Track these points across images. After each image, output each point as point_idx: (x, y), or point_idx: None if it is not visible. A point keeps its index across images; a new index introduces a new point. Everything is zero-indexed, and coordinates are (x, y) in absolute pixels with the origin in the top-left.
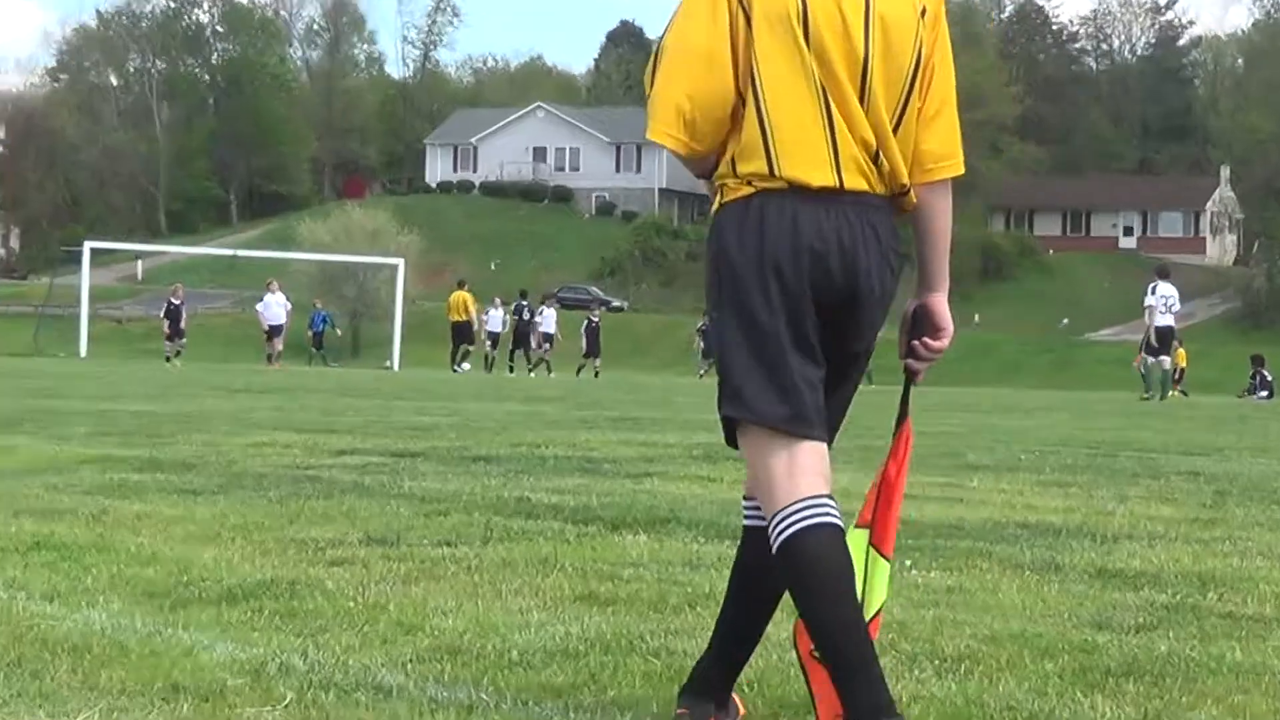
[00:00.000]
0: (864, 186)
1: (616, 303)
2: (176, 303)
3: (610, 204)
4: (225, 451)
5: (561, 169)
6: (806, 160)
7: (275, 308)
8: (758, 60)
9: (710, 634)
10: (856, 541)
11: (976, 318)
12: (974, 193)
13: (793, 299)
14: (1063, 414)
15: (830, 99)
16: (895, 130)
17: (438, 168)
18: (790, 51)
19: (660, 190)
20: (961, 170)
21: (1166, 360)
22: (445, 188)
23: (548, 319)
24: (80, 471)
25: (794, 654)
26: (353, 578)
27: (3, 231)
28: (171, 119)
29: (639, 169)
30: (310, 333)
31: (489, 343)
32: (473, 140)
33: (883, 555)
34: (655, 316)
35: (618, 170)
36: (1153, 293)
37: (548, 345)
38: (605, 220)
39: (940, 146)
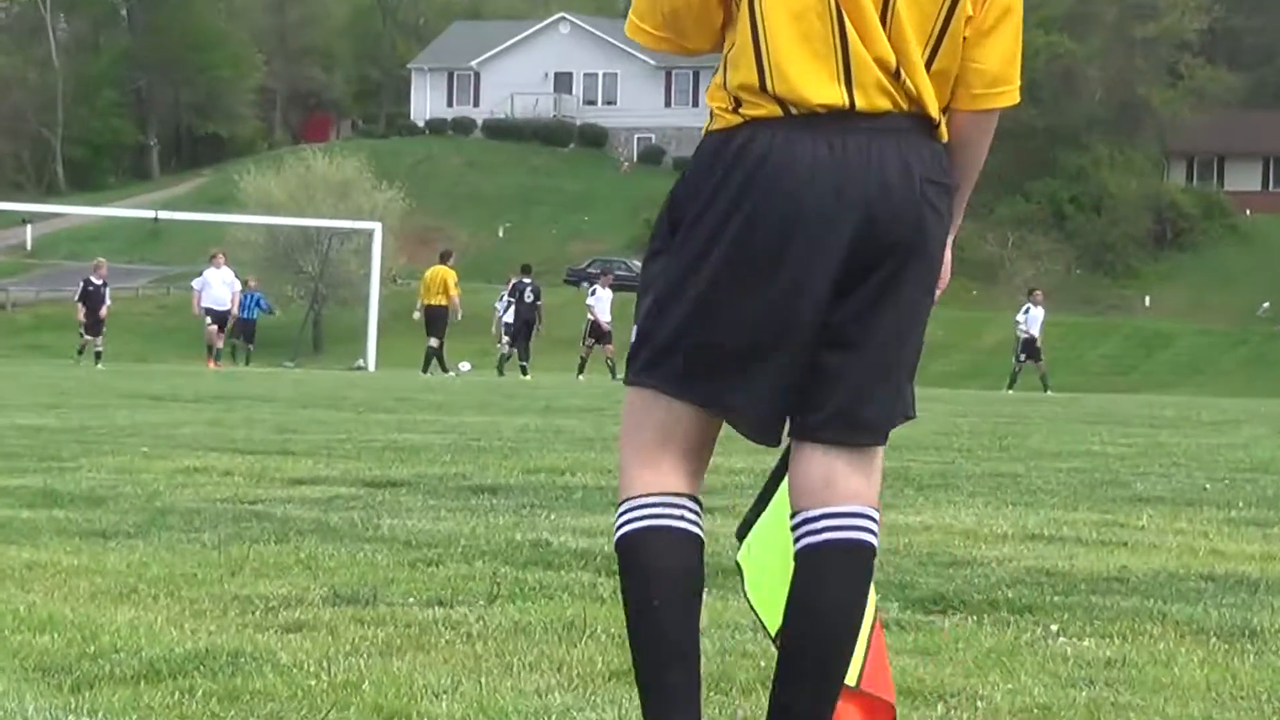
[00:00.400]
0: (885, 106)
1: None
2: (97, 283)
3: (657, 149)
4: (145, 481)
5: (593, 102)
6: (806, 73)
7: (219, 287)
8: None
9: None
10: None
11: (1146, 300)
12: (1142, 133)
13: (784, 268)
14: (1261, 428)
15: (841, 3)
16: (938, 45)
17: (427, 101)
18: None
19: None
20: (1015, 99)
21: None
22: (437, 127)
23: (601, 302)
24: None
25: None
26: (315, 648)
27: None
28: (70, 37)
29: (695, 102)
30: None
31: (506, 339)
32: (473, 64)
33: None
34: None
35: (667, 104)
36: None
37: (596, 340)
38: (651, 170)
39: (996, 67)
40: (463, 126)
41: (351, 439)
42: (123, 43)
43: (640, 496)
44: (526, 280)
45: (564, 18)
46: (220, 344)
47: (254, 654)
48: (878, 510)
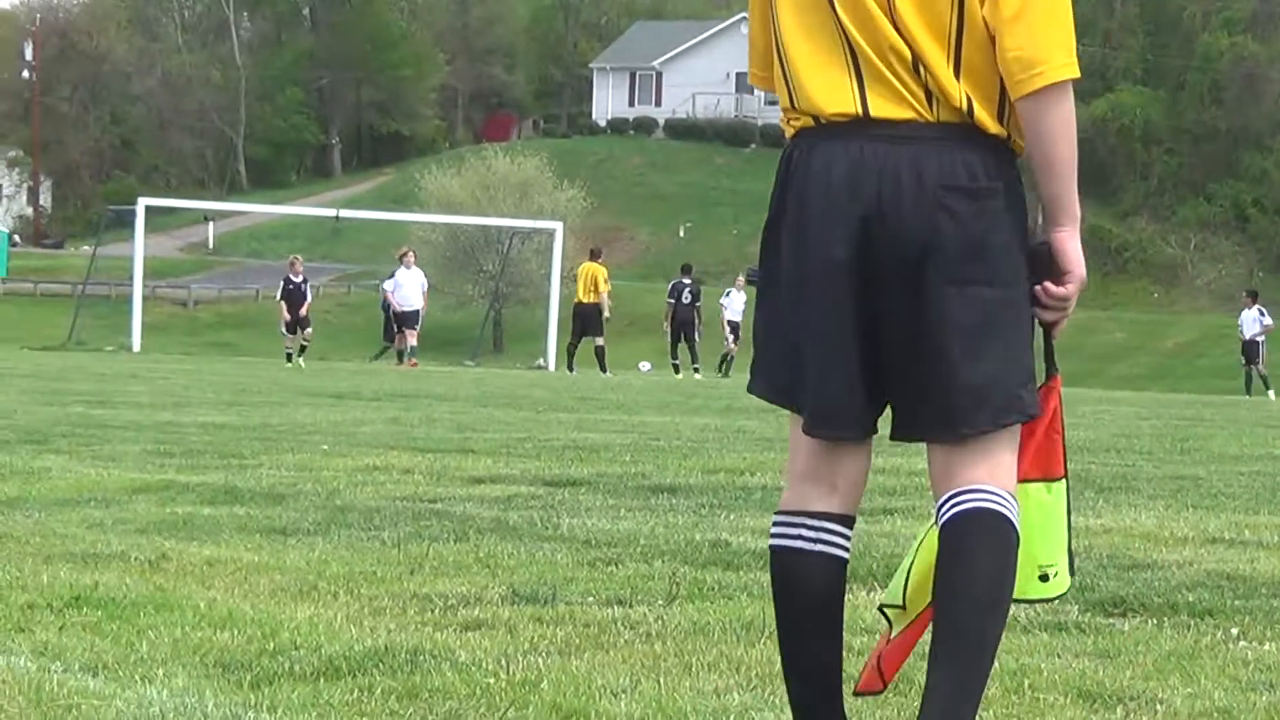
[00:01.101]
0: (904, 114)
1: None
2: (297, 280)
3: None
4: (325, 478)
5: (774, 103)
6: (822, 88)
7: (410, 287)
8: None
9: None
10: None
11: None
12: None
13: (814, 265)
14: None
15: (842, 14)
16: (960, 41)
17: (608, 101)
18: None
19: None
20: (1061, 76)
21: None
22: (618, 127)
23: (735, 303)
24: (133, 503)
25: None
26: (493, 646)
27: (30, 185)
28: (254, 36)
29: None
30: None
31: (732, 337)
32: (655, 64)
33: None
34: None
35: None
36: None
37: (733, 338)
38: None
39: (1027, 50)
40: (644, 126)
41: (531, 438)
42: (305, 42)
43: (783, 514)
44: (686, 281)
45: (745, 18)
46: (413, 342)
47: (433, 652)
48: (1008, 491)
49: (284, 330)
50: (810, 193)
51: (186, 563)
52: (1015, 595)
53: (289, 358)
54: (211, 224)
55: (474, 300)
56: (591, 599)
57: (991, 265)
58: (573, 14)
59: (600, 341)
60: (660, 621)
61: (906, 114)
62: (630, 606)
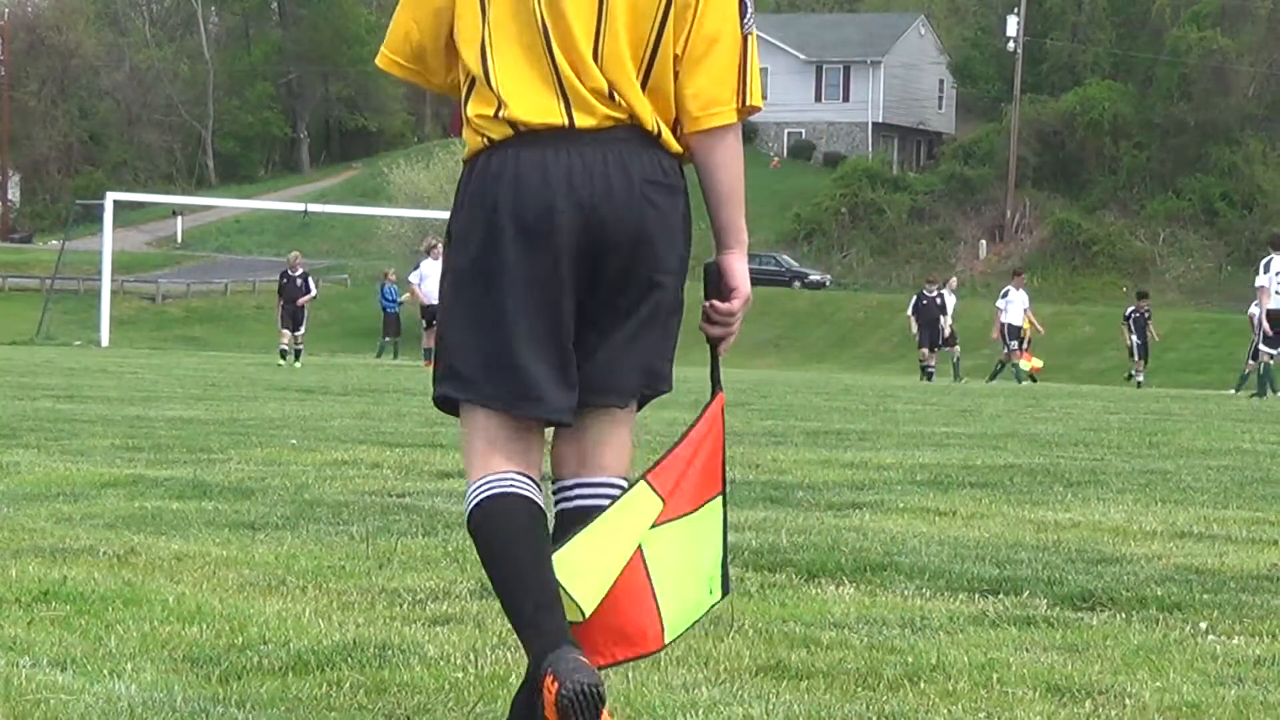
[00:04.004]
0: (604, 123)
1: (815, 276)
2: (294, 275)
3: (807, 144)
4: (293, 473)
5: None
6: (531, 101)
7: (437, 279)
8: None
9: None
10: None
11: None
12: None
13: (522, 261)
14: None
15: (553, 38)
16: (650, 68)
17: None
18: None
19: (875, 125)
20: (730, 119)
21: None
22: None
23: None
24: (101, 498)
25: None
26: (462, 640)
27: None
28: (222, 30)
29: (846, 97)
30: (384, 313)
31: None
32: None
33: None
34: (867, 295)
35: (818, 99)
36: (1265, 270)
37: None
38: (801, 165)
39: (711, 91)
40: None
41: None
42: (273, 36)
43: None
44: None
45: None
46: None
47: (401, 646)
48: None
49: (280, 327)
50: (522, 194)
51: (155, 557)
52: (693, 614)
53: (283, 355)
54: (180, 218)
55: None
56: None
57: (678, 254)
58: None
59: None
60: None
61: (605, 122)
62: None
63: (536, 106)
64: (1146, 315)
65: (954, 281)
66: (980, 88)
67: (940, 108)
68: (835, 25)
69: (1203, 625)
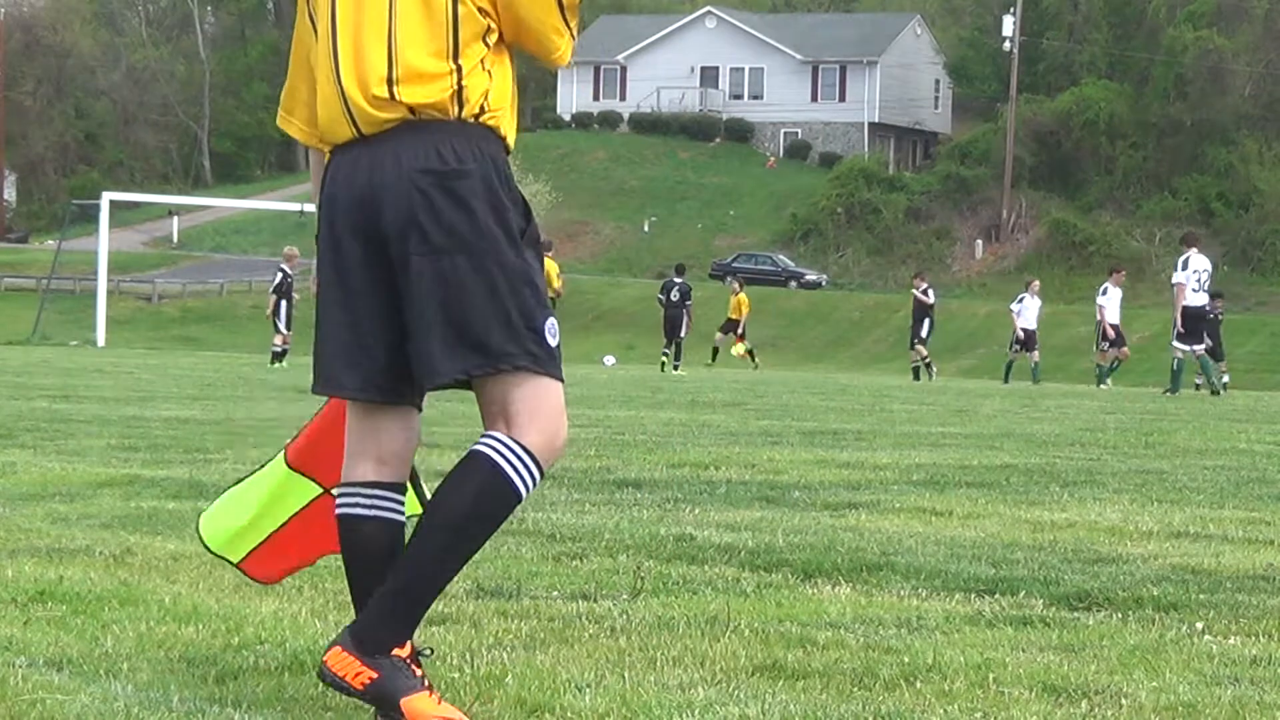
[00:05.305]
0: (385, 127)
1: (811, 275)
2: (291, 273)
3: (803, 143)
4: None
5: (739, 97)
6: (332, 127)
7: None
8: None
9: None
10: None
11: None
12: None
13: (337, 256)
14: None
15: (338, 44)
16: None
17: (573, 95)
18: (314, 9)
19: (871, 125)
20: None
21: (1200, 348)
22: (583, 121)
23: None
24: (97, 498)
25: None
26: (458, 640)
27: None
28: (218, 30)
29: (843, 96)
30: None
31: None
32: (619, 58)
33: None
34: (863, 295)
35: (813, 98)
36: (1183, 267)
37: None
38: (796, 165)
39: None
40: (609, 120)
41: None
42: (270, 36)
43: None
44: (676, 280)
45: (710, 11)
46: None
47: None
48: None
49: (284, 328)
50: (333, 195)
51: (151, 557)
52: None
53: (277, 358)
54: (176, 218)
55: None
56: (556, 593)
57: (460, 236)
58: None
59: None
60: (625, 616)
61: (387, 126)
62: (595, 601)
63: (337, 130)
64: (1219, 316)
65: (1036, 284)
66: (976, 88)
67: (936, 107)
68: (831, 25)
69: (1199, 625)
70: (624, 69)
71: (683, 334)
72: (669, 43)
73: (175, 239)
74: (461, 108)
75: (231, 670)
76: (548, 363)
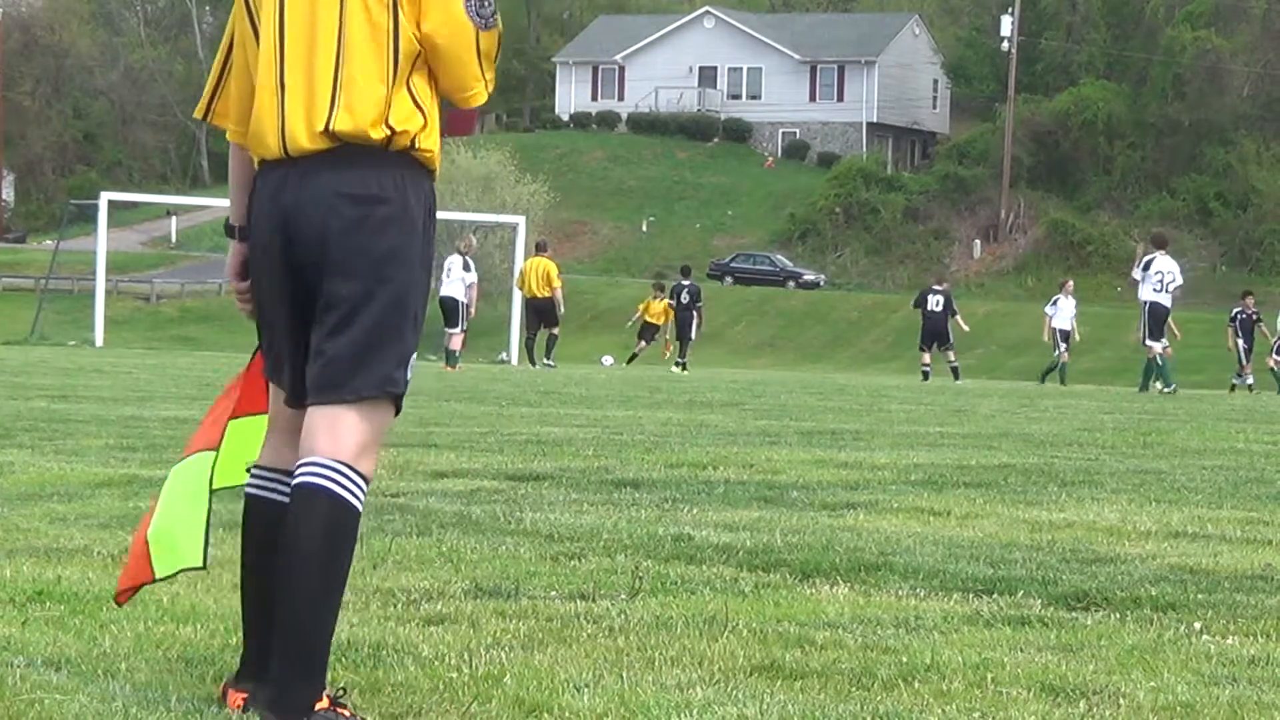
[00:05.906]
0: (312, 151)
1: (810, 276)
2: None
3: (801, 144)
4: None
5: (737, 96)
6: (261, 133)
7: (455, 281)
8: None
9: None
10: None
11: None
12: None
13: (265, 273)
14: None
15: (285, 63)
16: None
17: (571, 95)
18: (257, 16)
19: (869, 125)
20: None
21: (1157, 346)
22: (581, 121)
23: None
24: (96, 498)
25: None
26: (456, 640)
27: None
28: (216, 30)
29: (841, 96)
30: None
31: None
32: (618, 58)
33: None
34: (862, 295)
35: (811, 99)
36: (1143, 268)
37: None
38: (794, 165)
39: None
40: (607, 120)
41: (494, 432)
42: None
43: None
44: (685, 283)
45: (709, 12)
46: (454, 346)
47: (396, 646)
48: (346, 464)
49: None
50: (259, 207)
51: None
52: (177, 563)
53: None
54: (174, 218)
55: (435, 295)
56: (554, 593)
57: (371, 260)
58: (535, 8)
59: (555, 331)
60: (623, 616)
61: (314, 150)
62: (593, 601)
63: (268, 147)
64: (1255, 316)
65: (1070, 284)
66: (974, 87)
67: (934, 107)
68: (829, 25)
69: (1197, 625)
70: (622, 69)
71: (693, 336)
72: (667, 43)
73: (174, 239)
74: (391, 138)
75: (230, 670)
76: (396, 391)
